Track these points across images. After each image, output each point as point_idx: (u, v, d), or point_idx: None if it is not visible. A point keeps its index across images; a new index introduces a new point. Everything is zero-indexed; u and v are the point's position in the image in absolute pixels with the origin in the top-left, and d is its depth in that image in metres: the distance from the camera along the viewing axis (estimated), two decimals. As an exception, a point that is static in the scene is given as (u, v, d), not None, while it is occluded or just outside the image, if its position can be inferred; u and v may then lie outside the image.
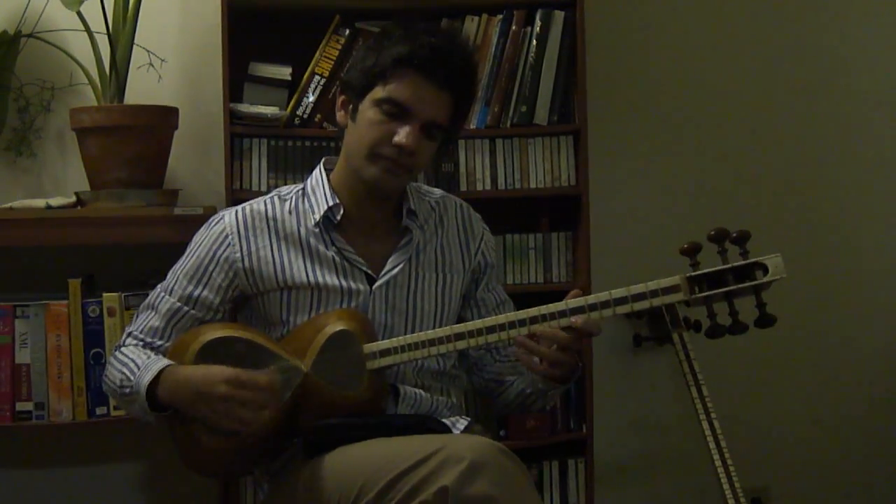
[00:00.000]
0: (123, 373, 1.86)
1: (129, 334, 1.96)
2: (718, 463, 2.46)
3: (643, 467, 2.95)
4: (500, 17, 2.56)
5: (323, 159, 2.02)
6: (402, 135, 1.83)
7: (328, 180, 1.96)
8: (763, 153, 2.98)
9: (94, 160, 2.38)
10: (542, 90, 2.57)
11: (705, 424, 2.51)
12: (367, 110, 1.86)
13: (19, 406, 2.32)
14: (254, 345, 1.84)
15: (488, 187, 2.57)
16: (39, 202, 2.35)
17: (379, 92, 1.85)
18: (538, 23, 2.56)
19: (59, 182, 2.58)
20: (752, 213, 2.95)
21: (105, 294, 2.34)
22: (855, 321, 3.04)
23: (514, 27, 2.56)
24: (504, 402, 2.06)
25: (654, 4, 2.92)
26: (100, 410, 2.35)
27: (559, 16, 2.56)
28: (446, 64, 1.84)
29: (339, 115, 1.96)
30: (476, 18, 2.57)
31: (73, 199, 2.39)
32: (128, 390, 1.84)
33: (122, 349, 1.93)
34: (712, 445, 2.48)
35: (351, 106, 1.91)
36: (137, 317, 1.98)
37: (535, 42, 2.56)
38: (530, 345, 1.81)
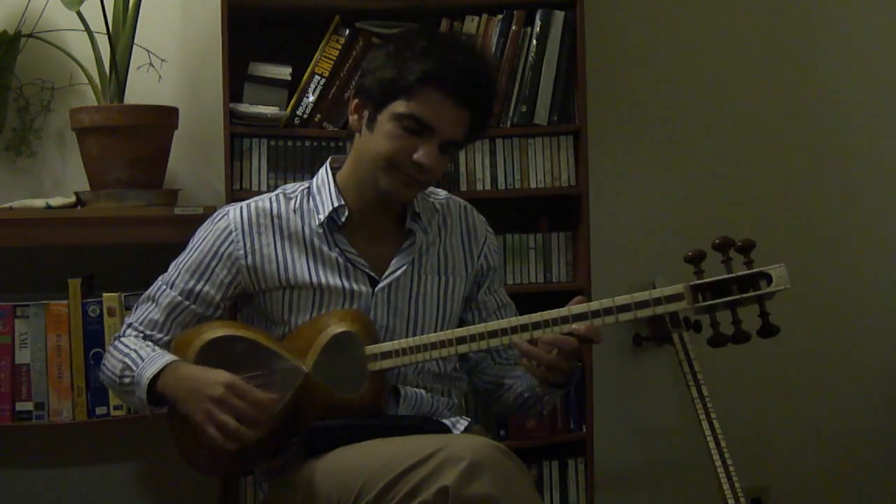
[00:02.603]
0: (125, 363, 1.86)
1: (129, 325, 1.95)
2: (718, 463, 2.47)
3: (643, 468, 2.95)
4: (500, 17, 2.56)
5: (330, 158, 2.01)
6: (423, 154, 1.82)
7: (334, 181, 1.96)
8: (765, 153, 2.98)
9: (94, 160, 2.38)
10: (542, 90, 2.57)
11: (705, 424, 2.52)
12: (387, 123, 1.85)
13: (19, 406, 2.32)
14: (256, 345, 1.84)
15: (488, 187, 2.57)
16: (39, 202, 2.36)
17: (401, 106, 1.83)
18: (538, 23, 2.56)
19: (59, 182, 2.58)
20: (751, 212, 2.95)
21: (105, 294, 2.34)
22: (856, 326, 3.04)
23: (514, 27, 2.56)
24: (503, 405, 2.06)
25: (654, 4, 2.92)
26: (100, 410, 2.35)
27: (559, 16, 2.56)
28: (472, 85, 1.83)
29: (352, 120, 1.93)
30: (476, 18, 2.57)
31: (73, 199, 2.39)
32: (128, 380, 1.84)
33: (123, 339, 1.93)
34: (712, 445, 2.49)
35: (367, 112, 1.89)
36: (137, 308, 1.97)
37: (535, 42, 2.56)
38: (531, 351, 1.80)
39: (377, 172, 1.87)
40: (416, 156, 1.83)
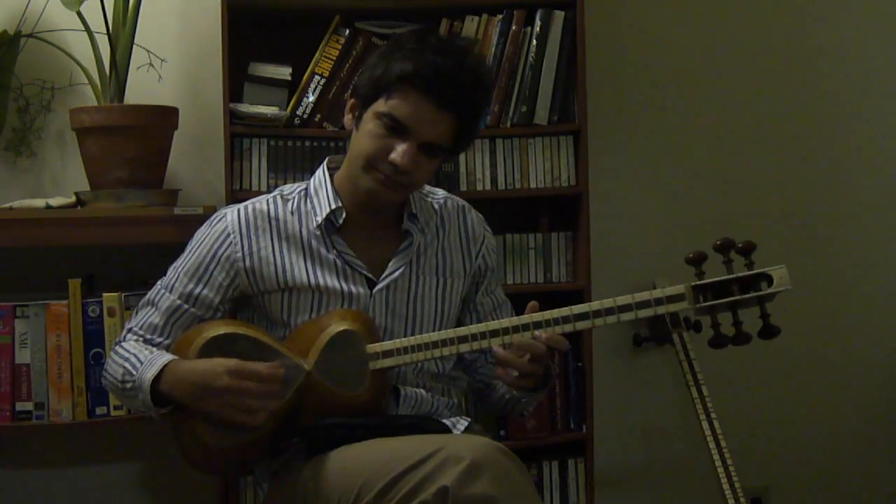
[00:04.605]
0: (125, 367, 1.86)
1: (129, 330, 1.95)
2: (718, 463, 2.47)
3: (643, 467, 2.95)
4: (500, 17, 2.56)
5: (326, 158, 2.01)
6: (398, 153, 1.82)
7: (331, 182, 1.96)
8: (765, 154, 2.98)
9: (94, 160, 2.38)
10: (542, 90, 2.57)
11: (705, 424, 2.52)
12: (369, 121, 1.85)
13: (19, 406, 2.32)
14: (257, 342, 1.83)
15: (488, 187, 2.57)
16: (39, 202, 2.36)
17: (381, 105, 1.83)
18: (538, 23, 2.56)
19: (59, 182, 2.58)
20: (751, 212, 2.95)
21: (105, 294, 2.34)
22: (856, 327, 3.04)
23: (514, 27, 2.56)
24: (489, 404, 2.09)
25: (654, 4, 2.92)
26: (100, 410, 2.35)
27: (559, 16, 2.56)
28: (450, 86, 1.81)
29: (347, 119, 1.95)
30: (476, 18, 2.57)
31: (73, 199, 2.39)
32: (129, 385, 1.84)
33: (123, 344, 1.93)
34: (712, 445, 2.49)
35: (357, 112, 1.90)
36: (137, 313, 1.98)
37: (535, 42, 2.56)
38: (506, 357, 1.80)
39: (358, 172, 1.87)
40: (391, 155, 1.83)
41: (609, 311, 1.82)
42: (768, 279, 1.84)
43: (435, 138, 1.85)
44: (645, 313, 1.82)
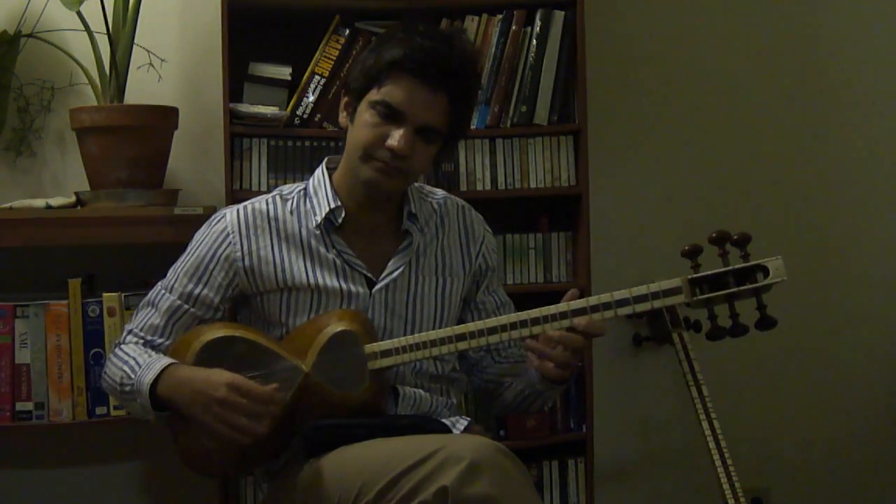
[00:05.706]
0: (124, 370, 1.86)
1: (130, 332, 1.95)
2: (718, 463, 2.47)
3: (643, 467, 2.95)
4: (500, 17, 2.56)
5: (326, 158, 2.02)
6: (395, 138, 1.83)
7: (330, 181, 1.96)
8: (764, 154, 2.98)
9: (94, 160, 2.38)
10: (542, 90, 2.57)
11: (705, 424, 2.51)
12: (364, 112, 1.86)
13: (19, 406, 2.32)
14: (255, 345, 1.83)
15: (488, 187, 2.58)
16: (39, 202, 2.36)
17: (374, 94, 1.85)
18: (538, 23, 2.56)
19: (59, 182, 2.58)
20: (752, 214, 2.95)
21: (105, 294, 2.34)
22: (855, 322, 3.03)
23: (514, 27, 2.56)
24: (502, 404, 2.07)
25: (654, 5, 2.92)
26: (100, 410, 2.35)
27: (559, 16, 2.56)
28: (441, 67, 1.82)
29: (341, 117, 1.96)
30: (476, 18, 2.57)
31: (73, 199, 2.39)
32: (128, 388, 1.84)
33: (123, 346, 1.93)
34: (712, 445, 2.49)
35: (351, 107, 1.91)
36: (137, 314, 1.98)
37: (535, 42, 2.56)
38: (541, 348, 1.81)
39: (357, 163, 1.88)
40: (388, 141, 1.83)
41: (606, 306, 1.82)
42: (764, 270, 1.84)
43: (430, 121, 1.85)
44: (642, 307, 1.82)
